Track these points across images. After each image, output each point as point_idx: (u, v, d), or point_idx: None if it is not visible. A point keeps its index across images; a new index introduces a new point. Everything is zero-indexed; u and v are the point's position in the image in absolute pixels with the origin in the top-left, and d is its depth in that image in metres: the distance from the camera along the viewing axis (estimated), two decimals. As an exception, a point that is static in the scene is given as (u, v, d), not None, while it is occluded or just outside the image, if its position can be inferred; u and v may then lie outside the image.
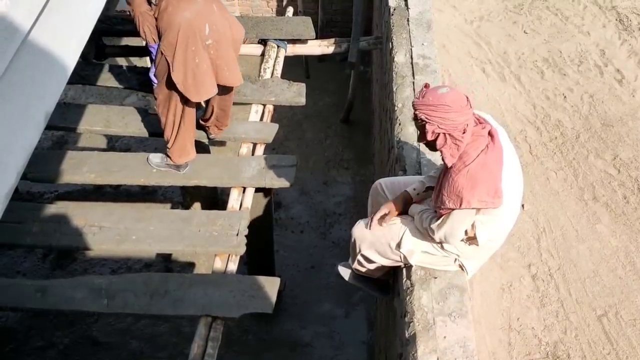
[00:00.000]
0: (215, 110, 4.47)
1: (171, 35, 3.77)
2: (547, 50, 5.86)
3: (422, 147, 3.69)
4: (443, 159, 2.55)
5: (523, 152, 4.83)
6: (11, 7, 1.29)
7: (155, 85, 4.10)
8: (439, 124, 2.44)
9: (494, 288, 3.77)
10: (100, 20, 3.55)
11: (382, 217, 3.05)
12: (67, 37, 1.60)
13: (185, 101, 4.09)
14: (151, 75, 4.12)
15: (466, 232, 2.65)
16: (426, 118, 2.45)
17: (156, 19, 3.84)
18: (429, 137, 2.50)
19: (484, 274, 3.75)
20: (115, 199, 6.90)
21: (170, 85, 3.95)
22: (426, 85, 2.51)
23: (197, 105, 4.36)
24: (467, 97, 2.46)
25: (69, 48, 1.61)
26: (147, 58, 4.67)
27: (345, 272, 3.47)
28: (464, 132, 2.45)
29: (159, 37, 3.86)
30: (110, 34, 5.25)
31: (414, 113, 2.51)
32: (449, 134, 2.46)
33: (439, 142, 2.52)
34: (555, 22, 6.17)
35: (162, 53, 3.86)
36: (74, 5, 1.64)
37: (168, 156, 4.40)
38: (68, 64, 1.60)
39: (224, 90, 4.25)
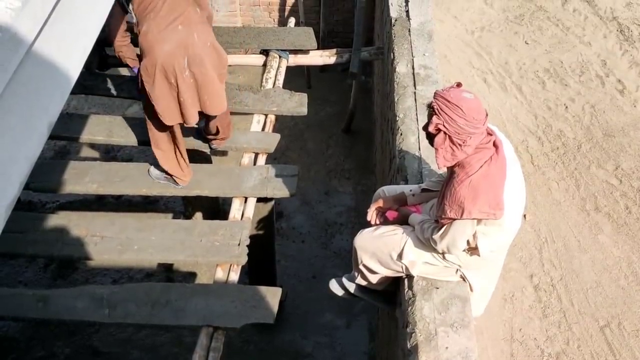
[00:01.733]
0: (212, 126, 4.47)
1: (150, 67, 3.75)
2: (549, 61, 5.88)
3: (424, 157, 3.69)
4: (436, 159, 2.54)
5: (525, 162, 4.84)
6: (16, 18, 1.30)
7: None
8: (445, 121, 2.42)
9: (496, 298, 3.76)
10: (103, 31, 3.58)
11: (377, 210, 3.14)
12: (71, 48, 1.61)
13: (172, 126, 4.12)
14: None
15: (468, 242, 2.64)
16: (437, 109, 2.43)
17: (137, 38, 3.83)
18: (431, 129, 2.48)
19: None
20: (116, 208, 6.90)
21: (153, 111, 3.98)
22: (458, 84, 2.48)
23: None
24: (487, 114, 2.44)
25: (72, 59, 1.62)
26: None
27: (350, 285, 3.47)
28: (464, 143, 2.43)
29: (140, 59, 3.88)
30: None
31: (431, 100, 2.50)
32: (450, 137, 2.44)
33: (437, 140, 2.50)
34: (556, 33, 6.19)
35: (142, 80, 3.86)
36: (77, 16, 1.65)
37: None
38: (72, 74, 1.61)
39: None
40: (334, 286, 3.54)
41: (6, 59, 1.29)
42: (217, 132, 4.55)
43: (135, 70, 4.07)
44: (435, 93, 2.47)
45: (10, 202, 1.35)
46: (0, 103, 1.29)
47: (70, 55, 1.60)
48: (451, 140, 2.45)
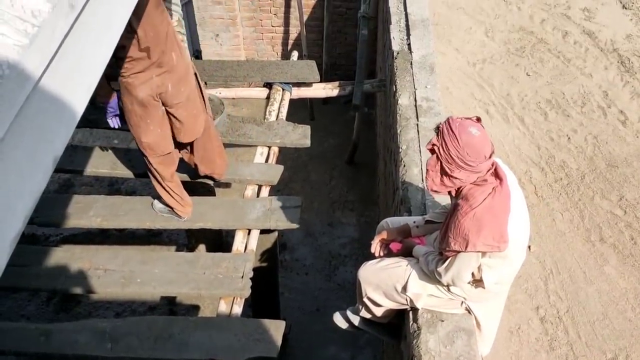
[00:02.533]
0: (198, 158, 4.47)
1: (134, 101, 3.81)
2: (550, 92, 5.91)
3: (427, 189, 3.69)
4: (425, 180, 2.53)
5: (528, 193, 4.83)
6: (23, 55, 1.32)
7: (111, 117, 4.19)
8: (441, 145, 2.42)
9: (502, 331, 3.72)
10: (109, 66, 3.62)
11: (380, 241, 3.12)
12: (76, 84, 1.63)
13: (161, 161, 4.16)
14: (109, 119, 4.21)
15: (473, 274, 2.63)
16: (439, 131, 2.44)
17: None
18: (428, 146, 2.50)
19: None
20: (120, 241, 6.89)
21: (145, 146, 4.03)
22: (478, 119, 2.47)
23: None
24: (487, 156, 2.40)
25: (78, 95, 1.63)
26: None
27: (354, 318, 3.44)
28: (452, 173, 2.42)
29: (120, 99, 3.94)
30: (117, 78, 5.30)
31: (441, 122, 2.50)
32: (441, 162, 2.44)
33: (430, 162, 2.51)
34: (557, 65, 6.23)
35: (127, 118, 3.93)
36: (84, 53, 1.67)
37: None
38: (77, 109, 1.63)
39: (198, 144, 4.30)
40: (338, 319, 3.52)
41: (13, 95, 1.31)
42: (207, 166, 4.56)
43: (108, 106, 4.13)
44: (448, 117, 2.48)
45: (14, 236, 1.35)
46: (6, 138, 1.30)
47: (76, 91, 1.62)
48: (441, 166, 2.45)
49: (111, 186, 7.46)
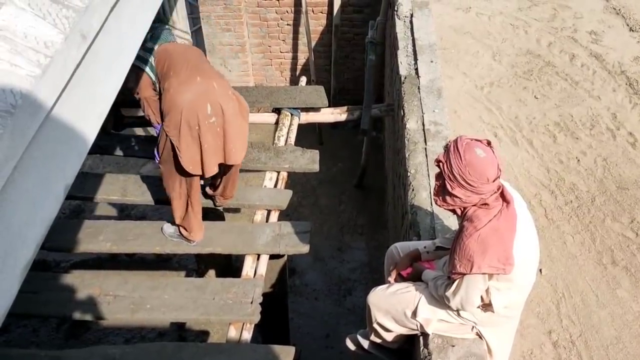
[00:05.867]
0: (223, 182, 4.53)
1: (174, 118, 3.84)
2: (559, 115, 5.91)
3: (436, 212, 3.68)
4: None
5: (538, 216, 4.81)
6: (36, 85, 1.35)
7: (157, 160, 4.18)
8: (446, 162, 2.44)
9: (514, 356, 3.69)
10: (121, 92, 3.68)
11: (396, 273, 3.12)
12: (88, 113, 1.65)
13: (190, 180, 4.16)
14: (155, 152, 4.22)
15: (482, 298, 2.61)
16: (447, 148, 2.47)
17: (160, 100, 3.95)
18: (435, 162, 2.53)
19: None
20: (130, 266, 6.90)
21: (175, 164, 4.02)
22: (489, 143, 2.49)
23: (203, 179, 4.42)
24: (490, 179, 2.40)
25: (89, 123, 1.66)
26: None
27: (364, 342, 3.43)
28: (452, 190, 2.44)
29: (162, 118, 3.96)
30: (128, 105, 5.37)
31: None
32: (444, 178, 2.46)
33: (436, 174, 2.56)
34: (565, 87, 6.24)
35: (166, 134, 3.93)
36: (95, 82, 1.70)
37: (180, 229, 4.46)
38: (88, 138, 1.65)
39: (229, 165, 4.31)
40: (349, 343, 3.52)
41: (26, 124, 1.33)
42: (223, 190, 4.58)
43: (156, 128, 4.14)
44: (458, 136, 2.50)
45: (25, 264, 1.36)
46: (18, 166, 1.31)
47: (87, 119, 1.65)
48: (443, 182, 2.47)
49: (122, 211, 7.50)
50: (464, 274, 2.50)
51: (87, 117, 1.65)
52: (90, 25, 1.64)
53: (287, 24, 8.32)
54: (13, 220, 1.31)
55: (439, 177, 2.51)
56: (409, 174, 3.98)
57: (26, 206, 1.36)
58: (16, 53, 1.40)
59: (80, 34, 1.59)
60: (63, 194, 1.53)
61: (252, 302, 4.12)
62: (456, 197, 2.44)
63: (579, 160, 5.35)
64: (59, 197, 1.52)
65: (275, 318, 5.20)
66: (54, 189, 1.49)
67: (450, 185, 2.42)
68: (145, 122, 6.00)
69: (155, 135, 4.28)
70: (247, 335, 4.07)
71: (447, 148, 2.46)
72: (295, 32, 8.38)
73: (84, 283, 4.29)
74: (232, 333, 4.08)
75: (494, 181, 2.39)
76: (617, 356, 3.81)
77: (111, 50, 1.81)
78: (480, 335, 2.90)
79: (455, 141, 2.44)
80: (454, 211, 2.56)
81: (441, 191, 2.50)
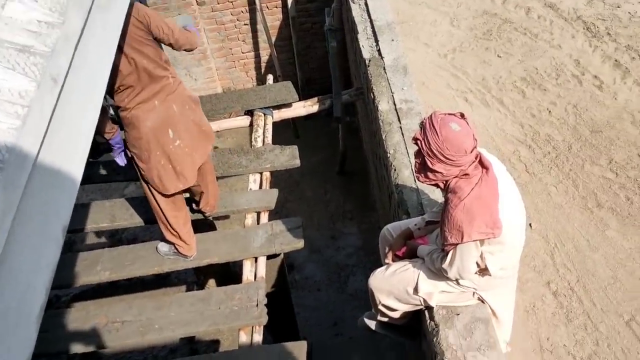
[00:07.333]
0: (203, 190, 4.53)
1: (137, 141, 3.82)
2: (524, 70, 6.00)
3: (421, 188, 3.75)
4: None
5: (520, 172, 4.90)
6: (18, 137, 1.39)
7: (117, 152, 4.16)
8: (423, 139, 2.50)
9: (518, 311, 3.78)
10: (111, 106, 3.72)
11: (392, 254, 3.18)
12: (71, 152, 1.69)
13: (173, 198, 4.18)
14: (116, 157, 4.20)
15: (477, 264, 2.69)
16: (423, 125, 2.53)
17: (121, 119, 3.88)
18: (413, 140, 2.59)
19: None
20: (129, 290, 6.91)
21: (148, 184, 4.04)
22: (462, 115, 2.54)
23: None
24: (468, 151, 2.46)
25: (74, 162, 1.69)
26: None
27: (370, 323, 3.50)
28: (432, 165, 2.50)
29: (125, 139, 3.94)
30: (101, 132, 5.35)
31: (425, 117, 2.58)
32: (423, 155, 2.52)
33: (415, 152, 2.62)
34: (525, 42, 6.33)
35: (134, 160, 3.93)
36: (73, 120, 1.73)
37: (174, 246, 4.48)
38: (76, 177, 1.68)
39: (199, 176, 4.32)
40: (368, 321, 3.55)
41: (16, 176, 1.36)
42: (206, 199, 4.61)
43: (114, 143, 4.10)
44: (432, 112, 2.56)
45: (39, 311, 1.41)
46: (16, 218, 1.35)
47: (72, 159, 1.68)
48: (423, 159, 2.54)
49: (112, 237, 7.50)
50: (456, 244, 2.57)
51: (71, 157, 1.69)
52: (59, 67, 1.68)
53: (244, 24, 8.32)
54: (20, 271, 1.35)
55: (419, 154, 2.57)
56: (388, 154, 4.03)
57: (30, 255, 1.40)
58: (-7, 108, 1.43)
59: (51, 78, 1.62)
60: (62, 236, 1.57)
61: (257, 305, 4.17)
62: (437, 172, 2.50)
63: (550, 112, 5.45)
64: (59, 240, 1.56)
65: (282, 316, 5.25)
66: (53, 233, 1.53)
67: (431, 162, 2.49)
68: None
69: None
70: (258, 337, 4.12)
71: (422, 125, 2.52)
72: (254, 31, 8.38)
73: (89, 315, 4.31)
74: (243, 338, 4.13)
75: (471, 152, 2.46)
76: (616, 295, 3.92)
77: (82, 87, 1.85)
78: (482, 300, 2.98)
79: (430, 118, 2.50)
80: (437, 185, 2.63)
81: (422, 168, 2.57)
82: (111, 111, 3.95)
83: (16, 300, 1.32)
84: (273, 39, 8.33)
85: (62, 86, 1.69)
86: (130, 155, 3.99)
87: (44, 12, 1.75)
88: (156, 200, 4.13)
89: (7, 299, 1.29)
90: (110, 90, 3.73)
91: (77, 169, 1.72)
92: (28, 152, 1.44)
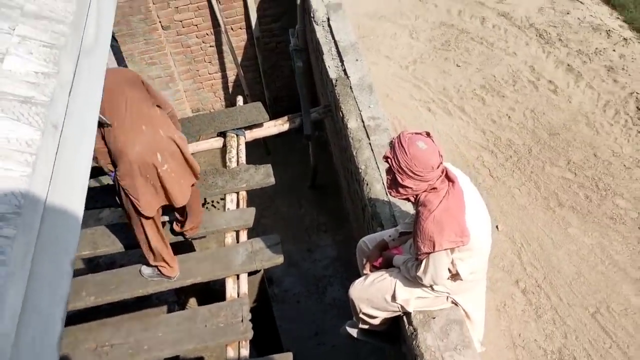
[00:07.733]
0: (187, 213, 4.66)
1: (126, 167, 3.94)
2: (482, 78, 6.25)
3: (393, 201, 3.93)
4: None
5: (484, 176, 5.12)
6: (30, 183, 1.54)
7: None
8: (393, 157, 2.69)
9: (489, 311, 3.97)
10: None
11: (370, 265, 3.35)
12: (74, 190, 1.82)
13: (153, 220, 4.29)
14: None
15: (449, 270, 2.88)
16: (392, 144, 2.72)
17: (108, 147, 3.99)
18: (383, 159, 2.77)
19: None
20: (111, 313, 6.94)
21: (135, 210, 4.13)
22: (427, 134, 2.72)
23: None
24: (434, 167, 2.64)
25: (76, 200, 1.84)
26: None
27: (352, 331, 3.67)
28: (402, 181, 2.69)
29: (114, 165, 4.05)
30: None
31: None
32: (394, 172, 2.71)
33: (386, 169, 2.81)
34: (482, 50, 6.59)
35: (120, 185, 4.03)
36: (72, 163, 1.88)
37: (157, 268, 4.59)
38: (79, 213, 1.83)
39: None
40: (350, 330, 3.72)
41: (32, 220, 1.51)
42: (190, 222, 4.73)
43: (112, 175, 4.23)
44: (400, 132, 2.75)
45: (58, 340, 1.55)
46: (34, 258, 1.51)
47: (74, 196, 1.83)
48: (394, 176, 2.73)
49: (90, 262, 7.51)
50: (429, 253, 2.76)
51: (74, 194, 1.83)
52: (57, 115, 1.82)
53: (210, 46, 8.45)
54: (41, 305, 1.49)
55: (389, 171, 2.76)
56: (360, 170, 4.20)
57: (47, 290, 1.55)
58: (5, 158, 1.57)
59: (52, 125, 1.76)
60: (71, 270, 1.72)
61: (242, 321, 4.30)
62: (407, 187, 2.70)
63: (509, 117, 5.70)
64: (69, 273, 1.70)
65: (265, 330, 5.37)
66: (64, 267, 1.67)
67: (401, 178, 2.68)
68: (95, 173, 6.06)
69: (112, 182, 4.36)
70: (245, 352, 4.24)
71: (392, 145, 2.72)
72: (220, 52, 8.51)
73: (77, 340, 4.38)
74: (231, 354, 4.24)
75: (437, 167, 2.66)
76: (581, 289, 4.16)
77: (76, 130, 1.99)
78: (455, 303, 3.17)
79: (399, 137, 2.70)
80: (408, 199, 2.82)
81: (393, 184, 2.76)
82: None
83: (39, 331, 1.47)
84: (239, 59, 8.47)
85: (61, 131, 1.85)
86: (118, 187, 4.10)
87: (39, 63, 1.91)
88: (142, 225, 4.24)
89: (32, 330, 1.44)
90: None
91: (78, 207, 1.86)
92: (39, 196, 1.59)
